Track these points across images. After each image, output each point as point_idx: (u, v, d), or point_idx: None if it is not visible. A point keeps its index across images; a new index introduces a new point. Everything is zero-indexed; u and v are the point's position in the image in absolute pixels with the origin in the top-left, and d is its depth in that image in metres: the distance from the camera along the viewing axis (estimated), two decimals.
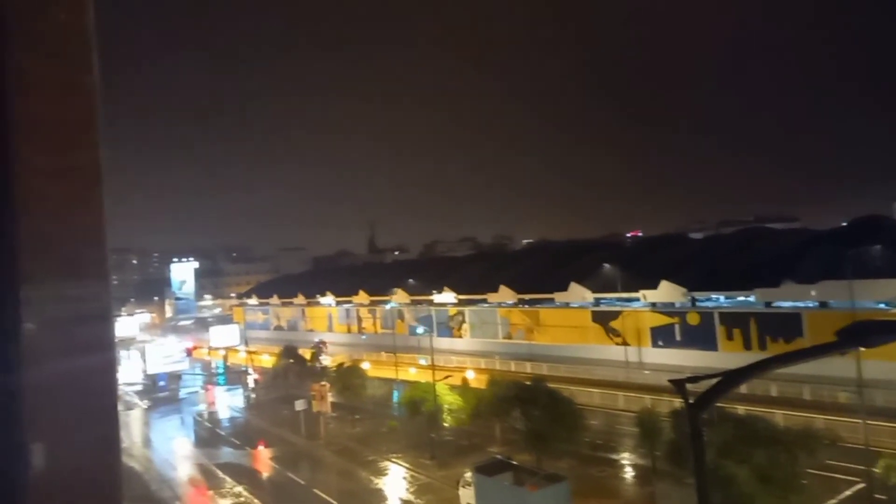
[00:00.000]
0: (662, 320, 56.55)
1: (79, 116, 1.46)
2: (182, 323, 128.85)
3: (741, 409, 28.93)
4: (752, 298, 52.27)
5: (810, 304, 48.45)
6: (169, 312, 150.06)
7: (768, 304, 51.00)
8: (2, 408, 1.28)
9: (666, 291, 56.45)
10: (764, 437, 21.27)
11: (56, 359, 1.34)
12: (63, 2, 1.41)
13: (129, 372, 75.08)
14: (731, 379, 2.97)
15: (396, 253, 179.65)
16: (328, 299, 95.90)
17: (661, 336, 56.40)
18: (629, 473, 33.02)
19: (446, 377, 41.15)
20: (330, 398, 44.82)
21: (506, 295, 70.33)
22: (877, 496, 23.45)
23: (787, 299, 50.10)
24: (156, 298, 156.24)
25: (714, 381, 2.95)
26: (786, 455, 20.63)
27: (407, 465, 36.70)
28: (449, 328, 76.32)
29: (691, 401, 3.01)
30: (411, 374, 53.18)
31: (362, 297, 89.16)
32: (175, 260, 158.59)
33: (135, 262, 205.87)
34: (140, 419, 59.05)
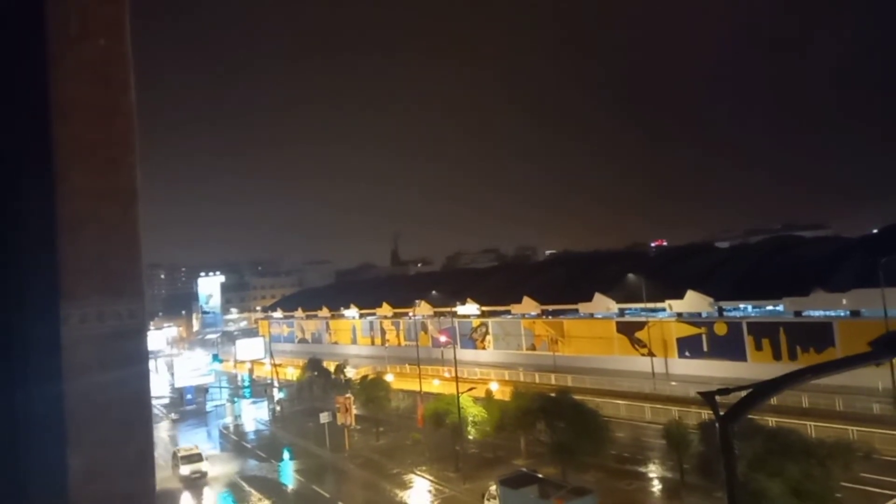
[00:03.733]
0: (689, 330, 55.75)
1: (119, 138, 1.51)
2: (209, 336, 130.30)
3: (772, 420, 28.35)
4: (781, 308, 51.32)
5: (841, 313, 47.41)
6: (196, 326, 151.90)
7: (798, 314, 50.01)
8: (43, 420, 1.32)
9: (692, 301, 55.68)
10: (796, 449, 20.81)
11: (94, 373, 1.38)
12: (104, 28, 1.46)
13: (158, 385, 76.08)
14: (762, 391, 2.93)
15: (419, 265, 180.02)
16: (352, 312, 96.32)
17: (688, 346, 55.57)
18: (657, 486, 32.49)
19: (470, 389, 40.98)
20: (354, 410, 44.89)
21: (529, 306, 69.97)
22: None
23: (818, 308, 49.09)
24: (183, 312, 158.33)
25: (745, 392, 2.91)
26: (819, 468, 20.14)
27: (431, 478, 36.55)
28: (472, 340, 76.10)
29: (721, 413, 2.97)
30: (435, 385, 53.07)
31: (386, 309, 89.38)
32: (202, 274, 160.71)
33: (163, 276, 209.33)
34: (168, 431, 59.69)
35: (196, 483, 39.45)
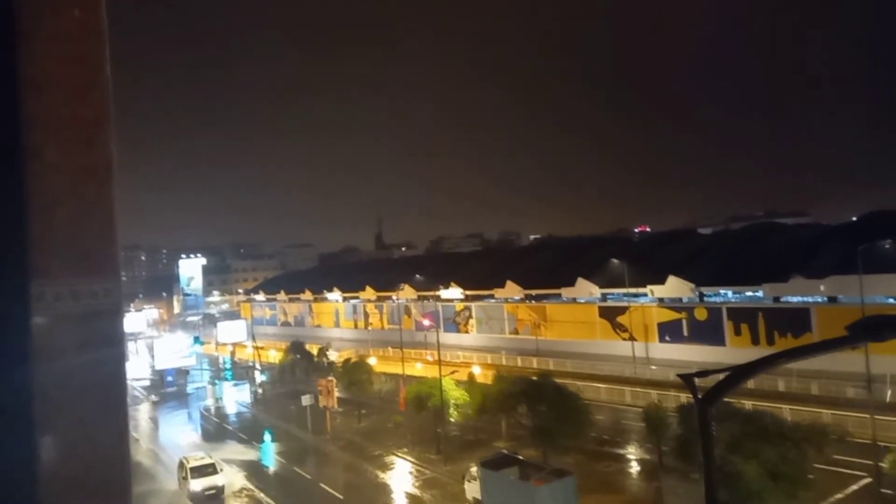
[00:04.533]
0: (670, 315, 56.41)
1: (93, 114, 1.47)
2: (190, 319, 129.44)
3: (749, 404, 28.86)
4: (760, 293, 52.06)
5: (819, 299, 48.21)
6: (177, 308, 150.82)
7: (777, 300, 50.78)
8: (15, 401, 1.30)
9: (674, 287, 56.28)
10: (772, 432, 21.21)
11: (68, 353, 1.36)
12: (78, 2, 1.42)
13: (138, 367, 75.57)
14: (740, 373, 2.97)
15: (403, 249, 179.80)
16: (335, 295, 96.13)
17: (669, 331, 56.27)
18: (636, 469, 33.02)
19: (453, 372, 41.21)
20: (336, 393, 44.96)
21: (513, 290, 70.30)
22: (883, 491, 23.36)
23: (796, 294, 49.86)
24: (164, 294, 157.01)
25: (723, 375, 2.95)
26: (794, 451, 20.57)
27: (413, 460, 36.81)
28: (456, 323, 76.39)
29: (700, 395, 3.01)
30: (417, 369, 53.27)
31: (369, 292, 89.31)
32: (183, 256, 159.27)
33: (143, 258, 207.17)
34: (148, 413, 59.42)
35: (211, 501, 32.68)
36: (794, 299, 50.03)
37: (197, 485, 32.72)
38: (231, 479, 35.26)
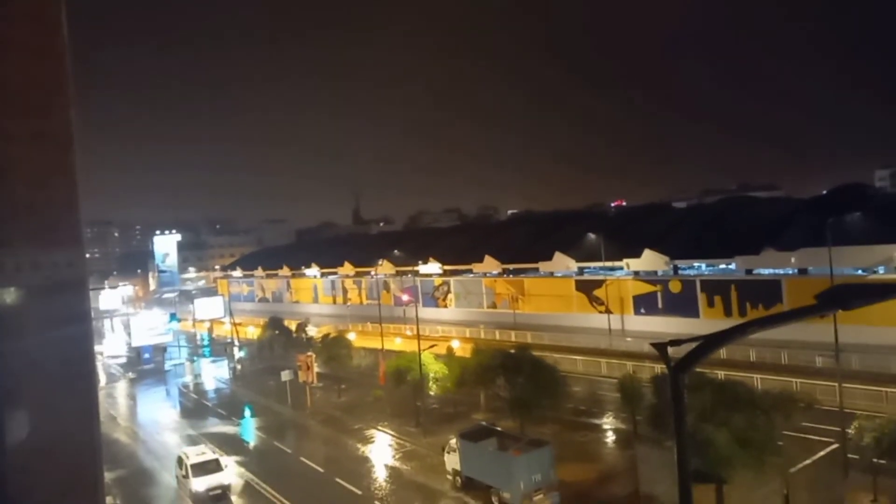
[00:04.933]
0: (645, 288, 57.19)
1: (50, 79, 1.42)
2: (166, 295, 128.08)
3: (721, 374, 29.51)
4: (733, 266, 52.94)
5: (790, 271, 49.18)
6: (152, 285, 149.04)
7: (749, 272, 51.70)
8: None
9: (649, 260, 56.96)
10: (742, 400, 21.71)
11: (31, 326, 1.33)
12: None
13: (114, 344, 74.84)
14: (712, 342, 3.02)
15: (381, 224, 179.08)
16: (313, 271, 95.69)
17: (644, 304, 57.09)
18: (611, 438, 33.70)
19: (431, 346, 41.45)
20: (316, 369, 45.01)
21: (491, 265, 70.59)
22: (850, 456, 24.16)
23: (768, 266, 50.80)
24: (139, 271, 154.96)
25: (695, 344, 3.00)
26: (763, 418, 21.10)
27: (392, 433, 37.14)
28: (434, 298, 76.64)
29: (673, 364, 3.06)
30: (397, 343, 53.46)
31: (347, 268, 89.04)
32: (157, 233, 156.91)
33: (116, 234, 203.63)
34: (125, 391, 59.01)
35: (217, 503, 29.17)
36: (766, 271, 50.98)
37: (199, 484, 29.11)
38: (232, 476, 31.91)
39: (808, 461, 22.16)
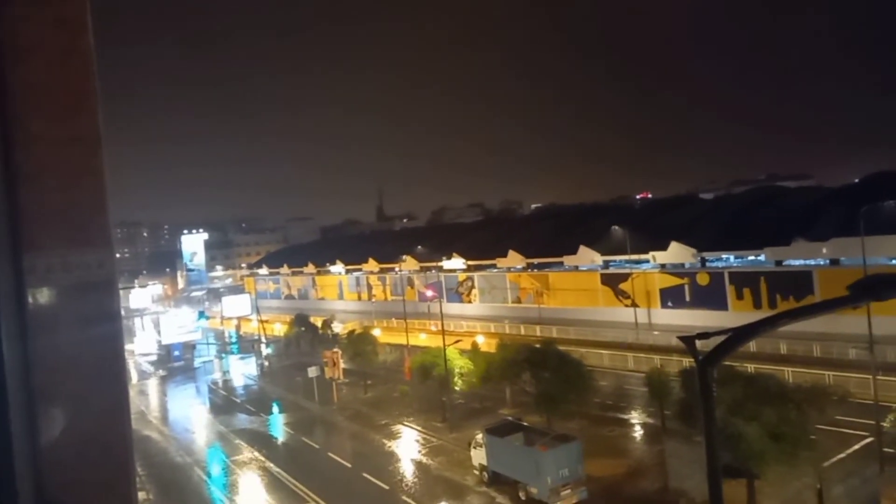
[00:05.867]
0: (672, 281, 56.52)
1: (77, 82, 1.43)
2: (194, 294, 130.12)
3: (751, 367, 29.07)
4: (762, 257, 52.05)
5: (821, 262, 48.20)
6: (181, 284, 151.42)
7: (779, 263, 50.78)
8: (11, 374, 1.29)
9: (675, 252, 56.28)
10: (774, 394, 21.39)
11: (63, 325, 1.35)
12: None
13: (145, 342, 76.25)
14: (741, 334, 2.97)
15: (405, 220, 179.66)
16: (338, 268, 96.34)
17: (671, 297, 56.43)
18: (639, 433, 33.42)
19: (456, 342, 41.48)
20: (342, 365, 45.36)
21: (515, 260, 70.37)
22: (885, 450, 23.64)
23: (798, 257, 49.85)
24: (168, 270, 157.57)
25: (724, 337, 2.95)
26: (795, 412, 20.76)
27: (419, 429, 37.27)
28: (458, 294, 76.64)
29: (701, 357, 3.02)
30: (422, 339, 53.63)
31: (372, 264, 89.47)
32: (185, 232, 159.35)
33: (146, 234, 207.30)
34: (156, 388, 60.11)
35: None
36: (797, 262, 50.01)
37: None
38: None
39: (842, 455, 21.80)
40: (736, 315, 49.43)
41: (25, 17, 1.37)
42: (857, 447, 25.01)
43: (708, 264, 55.38)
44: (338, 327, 60.96)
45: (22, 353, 1.33)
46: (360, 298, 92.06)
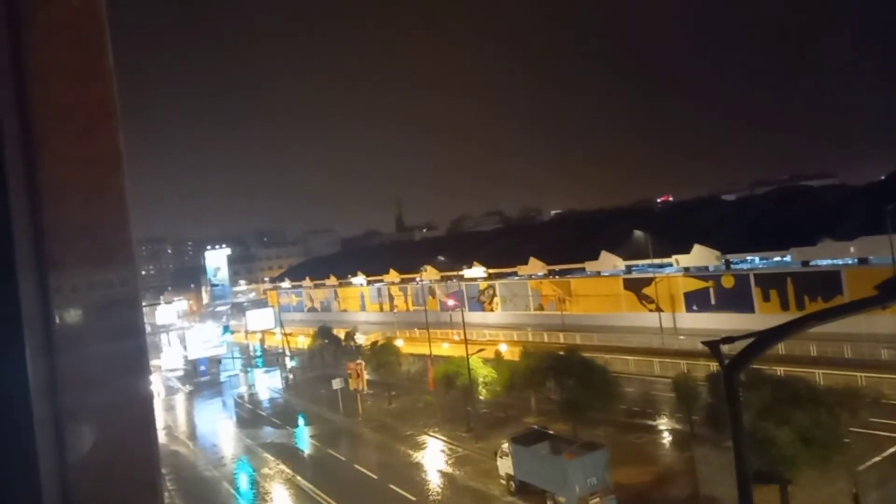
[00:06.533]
0: (696, 285, 55.85)
1: (98, 103, 1.46)
2: (219, 308, 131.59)
3: (780, 370, 28.56)
4: (788, 258, 51.26)
5: (849, 262, 47.32)
6: (205, 299, 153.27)
7: (805, 264, 49.96)
8: (39, 392, 1.31)
9: (699, 255, 55.66)
10: (804, 397, 20.99)
11: (88, 343, 1.37)
12: None
13: (171, 358, 77.19)
14: (767, 338, 2.92)
15: (424, 230, 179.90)
16: (359, 279, 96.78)
17: (696, 301, 55.75)
18: (667, 439, 32.97)
19: (479, 351, 41.37)
20: (366, 376, 45.47)
21: (536, 267, 70.10)
22: None
23: (825, 257, 49.01)
24: (192, 286, 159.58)
25: (749, 340, 2.90)
26: (827, 415, 20.34)
27: (444, 439, 37.17)
28: (480, 302, 76.52)
29: (726, 362, 2.97)
30: (444, 349, 53.59)
31: (393, 275, 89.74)
32: (208, 247, 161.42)
33: (170, 251, 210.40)
34: (184, 403, 60.75)
35: None
36: (824, 263, 49.17)
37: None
38: None
39: (877, 458, 21.26)
40: (763, 317, 48.64)
41: (47, 41, 1.40)
42: (892, 450, 24.39)
43: (732, 266, 54.67)
44: (361, 339, 61.17)
45: (49, 370, 1.35)
46: (381, 309, 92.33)
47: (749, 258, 54.72)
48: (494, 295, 75.33)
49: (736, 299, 52.63)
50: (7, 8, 1.33)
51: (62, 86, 1.38)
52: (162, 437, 45.77)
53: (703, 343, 3.54)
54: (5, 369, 1.34)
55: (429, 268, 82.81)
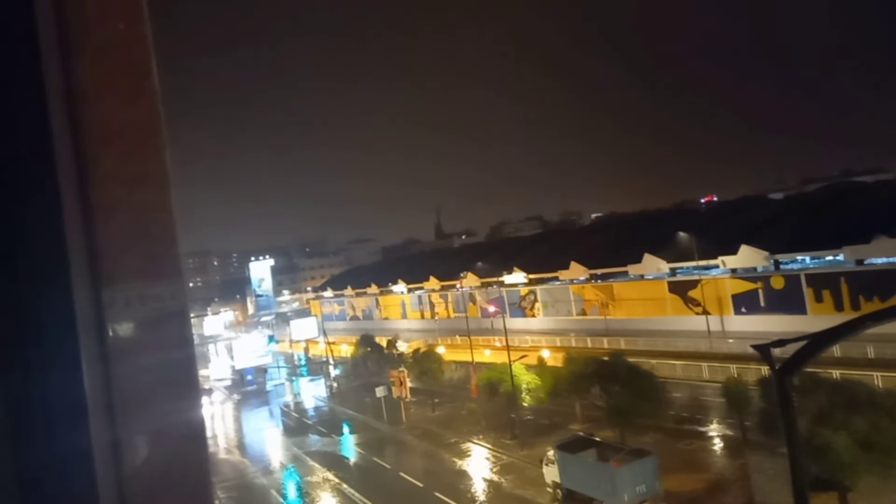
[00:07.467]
0: (744, 286, 54.37)
1: (144, 121, 1.52)
2: (264, 319, 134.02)
3: (836, 373, 27.57)
4: (841, 257, 49.51)
5: None
6: (251, 309, 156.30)
7: (860, 262, 48.16)
8: (95, 404, 1.36)
9: (747, 256, 54.21)
10: (862, 401, 20.22)
11: (141, 355, 1.41)
12: (122, 12, 1.47)
13: (219, 368, 78.95)
14: (820, 341, 2.82)
15: (464, 237, 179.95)
16: (400, 287, 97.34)
17: (744, 303, 54.26)
18: (718, 446, 32.11)
19: (522, 357, 41.09)
20: (409, 383, 45.63)
21: (577, 271, 69.35)
22: None
23: (881, 256, 47.17)
24: (238, 297, 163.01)
25: (802, 343, 2.81)
26: (887, 419, 19.54)
27: (489, 446, 36.99)
28: (521, 308, 76.05)
29: (778, 366, 2.88)
30: (486, 356, 53.41)
31: (433, 282, 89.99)
32: (252, 259, 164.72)
33: (216, 263, 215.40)
34: (232, 412, 61.99)
35: None
36: (879, 261, 47.32)
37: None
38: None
39: None
40: (816, 319, 47.01)
41: (96, 63, 1.46)
42: None
43: (782, 267, 53.07)
44: (402, 346, 61.46)
45: (104, 382, 1.40)
46: (423, 317, 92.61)
47: (799, 258, 53.05)
48: (536, 300, 74.76)
49: (787, 301, 51.04)
50: (58, 34, 1.40)
51: (111, 107, 1.43)
52: (211, 445, 46.83)
53: (754, 347, 3.44)
54: (63, 381, 1.39)
55: (469, 274, 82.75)
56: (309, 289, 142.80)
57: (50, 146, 1.39)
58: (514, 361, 37.45)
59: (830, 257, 50.65)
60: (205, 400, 60.34)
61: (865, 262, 47.91)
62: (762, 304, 53.05)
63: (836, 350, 32.85)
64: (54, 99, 1.39)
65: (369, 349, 62.31)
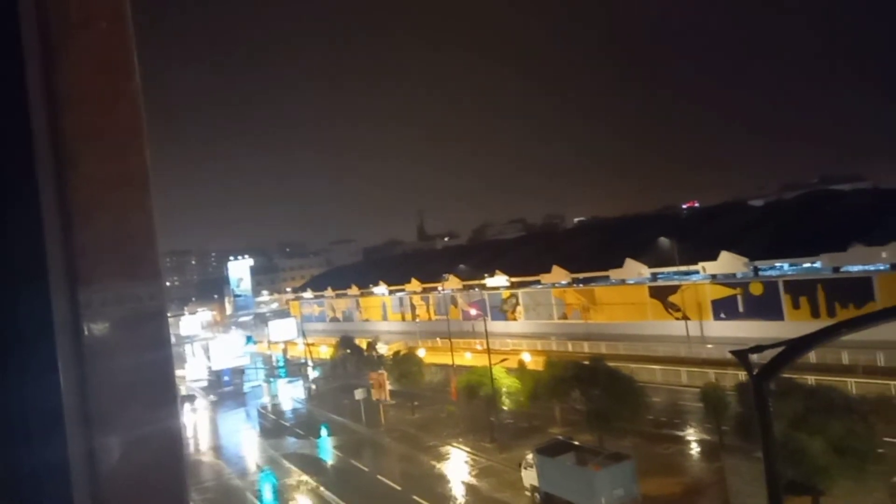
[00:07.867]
0: (724, 292, 55.04)
1: (125, 123, 1.50)
2: (242, 319, 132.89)
3: (812, 379, 28.00)
4: (818, 264, 50.33)
5: (881, 267, 46.30)
6: (229, 309, 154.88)
7: (836, 270, 49.01)
8: (70, 404, 1.34)
9: (726, 262, 54.88)
10: (837, 406, 20.56)
11: (117, 355, 1.40)
12: (104, 12, 1.46)
13: (195, 368, 78.14)
14: (796, 347, 2.86)
15: (446, 239, 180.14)
16: (381, 289, 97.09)
17: (724, 308, 54.92)
18: (695, 450, 32.44)
19: (502, 360, 41.18)
20: (388, 386, 45.51)
21: (559, 275, 69.70)
22: None
23: (857, 263, 48.04)
24: (216, 296, 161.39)
25: (779, 349, 2.85)
26: (861, 424, 19.90)
27: (468, 449, 37.01)
28: (503, 311, 76.24)
29: (755, 371, 2.92)
30: (467, 358, 53.46)
31: (414, 284, 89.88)
32: (231, 258, 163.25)
33: (194, 262, 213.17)
34: (208, 413, 61.34)
35: None
36: (855, 268, 48.19)
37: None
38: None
39: None
40: (793, 325, 47.72)
41: (77, 64, 1.45)
42: None
43: (761, 273, 53.80)
44: (383, 348, 61.27)
45: (79, 382, 1.39)
46: (403, 319, 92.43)
47: (778, 264, 53.83)
48: (517, 304, 74.99)
49: (765, 307, 51.75)
50: (39, 35, 1.38)
51: (91, 108, 1.42)
52: (187, 447, 46.28)
53: (732, 352, 3.49)
54: (39, 380, 1.38)
55: (451, 277, 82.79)
56: (288, 289, 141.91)
57: (30, 146, 1.37)
58: (494, 365, 37.52)
59: (808, 264, 51.47)
60: (186, 407, 59.68)
61: (842, 270, 48.75)
62: (741, 309, 53.74)
63: (812, 356, 33.35)
64: (35, 100, 1.37)
65: (349, 351, 62.04)
